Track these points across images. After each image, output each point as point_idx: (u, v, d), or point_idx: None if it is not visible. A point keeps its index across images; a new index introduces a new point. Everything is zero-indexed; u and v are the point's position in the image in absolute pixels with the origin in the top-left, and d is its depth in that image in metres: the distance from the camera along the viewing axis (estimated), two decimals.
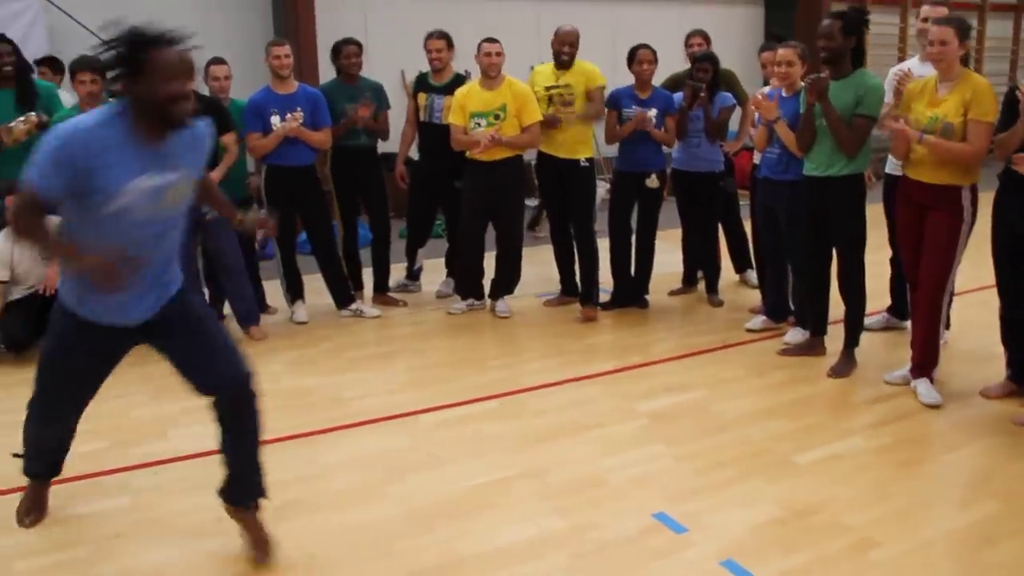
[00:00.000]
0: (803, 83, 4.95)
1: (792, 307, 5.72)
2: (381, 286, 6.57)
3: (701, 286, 6.71)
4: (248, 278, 5.84)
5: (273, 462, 3.94)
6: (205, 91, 5.84)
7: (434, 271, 6.92)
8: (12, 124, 5.28)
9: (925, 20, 5.14)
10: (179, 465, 3.97)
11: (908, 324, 5.15)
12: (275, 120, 5.78)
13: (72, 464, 3.60)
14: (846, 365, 5.03)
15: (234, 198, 4.69)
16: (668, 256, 6.94)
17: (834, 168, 4.84)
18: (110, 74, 2.72)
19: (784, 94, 5.32)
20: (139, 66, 2.65)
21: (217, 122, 5.49)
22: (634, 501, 3.60)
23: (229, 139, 5.62)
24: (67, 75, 5.64)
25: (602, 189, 7.42)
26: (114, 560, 3.24)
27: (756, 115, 5.58)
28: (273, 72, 5.88)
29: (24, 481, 3.52)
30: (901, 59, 9.50)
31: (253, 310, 5.87)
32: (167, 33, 2.70)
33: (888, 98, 5.03)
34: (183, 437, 4.22)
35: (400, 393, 4.82)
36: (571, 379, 4.99)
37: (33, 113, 5.35)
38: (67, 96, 6.19)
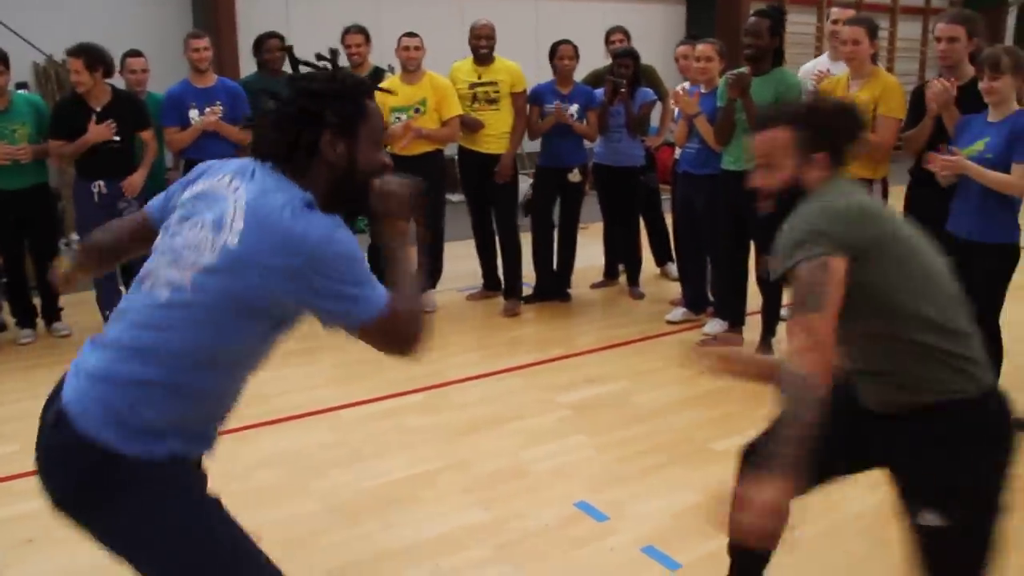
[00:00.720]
0: (724, 79, 5.04)
1: (711, 298, 5.83)
2: None
3: (623, 279, 6.79)
4: None
5: None
6: (121, 84, 5.73)
7: None
8: None
9: (836, 22, 5.31)
10: None
11: None
12: (194, 114, 5.70)
13: None
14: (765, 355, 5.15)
15: (153, 194, 4.63)
16: (590, 249, 7.02)
17: (753, 162, 4.94)
18: (291, 129, 1.87)
19: (703, 90, 5.42)
20: (356, 123, 1.91)
21: (135, 117, 5.42)
22: (556, 491, 3.64)
23: (148, 135, 5.53)
24: None
25: (525, 184, 7.45)
26: (23, 565, 3.18)
27: (676, 110, 5.68)
28: (192, 65, 5.80)
29: None
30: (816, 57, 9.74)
31: None
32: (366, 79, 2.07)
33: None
34: None
35: (323, 388, 4.80)
36: (494, 372, 5.02)
37: None
38: None
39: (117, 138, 5.34)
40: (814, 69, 5.51)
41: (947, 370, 2.05)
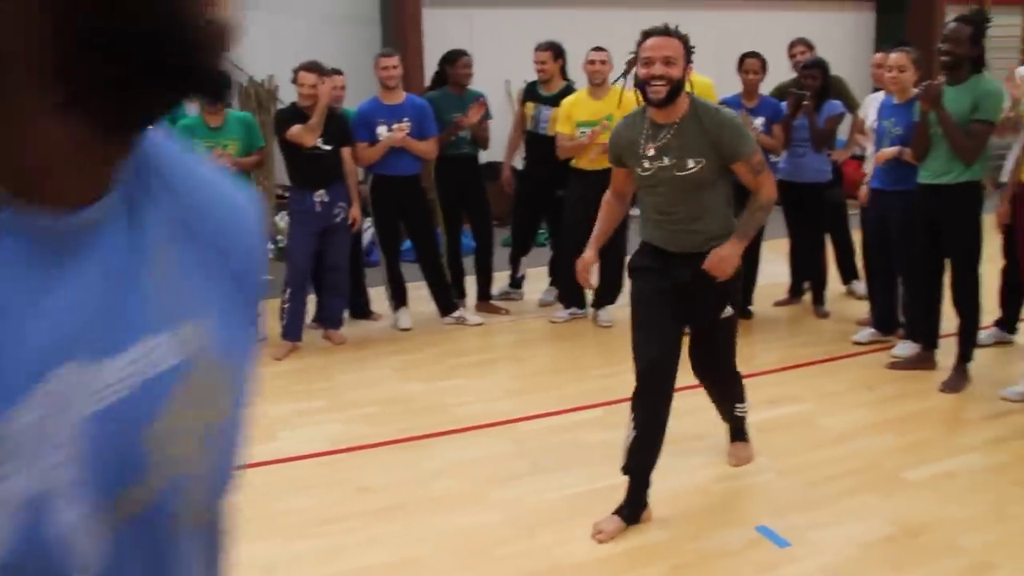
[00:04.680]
0: (915, 91, 4.83)
1: (901, 320, 5.57)
2: (484, 294, 6.64)
3: (807, 297, 6.59)
4: (348, 282, 5.99)
5: (376, 466, 4.07)
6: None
7: (537, 279, 6.95)
8: None
9: None
10: (287, 466, 4.10)
11: (1020, 338, 4.98)
12: (382, 130, 5.91)
13: None
14: (959, 380, 4.87)
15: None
16: (774, 267, 6.83)
17: (949, 176, 4.71)
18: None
19: (896, 101, 5.20)
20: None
21: (342, 131, 5.73)
22: (737, 513, 3.57)
23: (348, 152, 5.81)
24: None
25: None
26: None
27: (868, 122, 5.48)
28: (381, 83, 6.01)
29: None
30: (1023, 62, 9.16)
31: (340, 315, 6.02)
32: None
33: (1007, 103, 4.88)
34: (292, 439, 4.35)
35: (502, 400, 4.87)
36: (675, 389, 4.95)
37: None
38: None
39: (328, 147, 5.61)
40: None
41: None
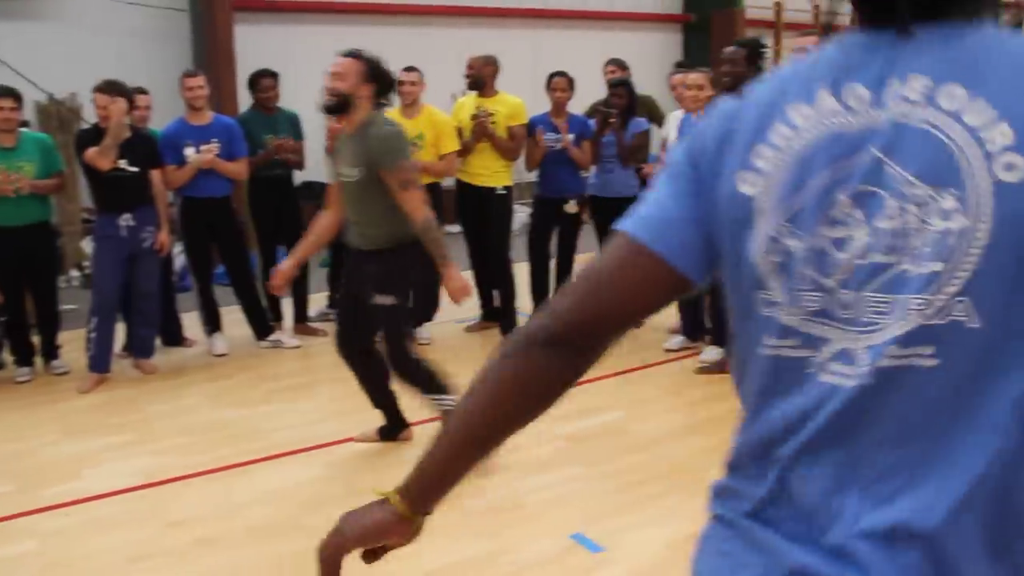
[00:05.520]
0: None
1: (708, 325, 5.83)
2: (301, 316, 6.53)
3: None
4: (159, 308, 5.78)
5: (188, 498, 3.93)
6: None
7: None
8: None
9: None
10: (91, 505, 3.90)
11: None
12: (190, 151, 5.73)
13: None
14: None
15: None
16: None
17: None
18: None
19: (695, 119, 5.44)
20: None
21: (149, 153, 5.49)
22: (552, 522, 3.62)
23: (157, 175, 5.56)
24: None
25: (523, 214, 7.48)
26: None
27: (672, 141, 5.70)
28: (187, 103, 5.84)
29: None
30: None
31: (151, 343, 5.80)
32: None
33: None
34: (97, 476, 4.14)
35: (320, 424, 4.79)
36: None
37: None
38: None
39: (133, 168, 5.36)
40: None
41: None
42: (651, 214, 1.12)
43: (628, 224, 1.13)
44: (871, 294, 0.95)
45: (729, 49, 4.96)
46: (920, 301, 0.91)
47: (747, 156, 1.03)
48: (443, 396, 4.07)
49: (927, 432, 0.93)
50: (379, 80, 4.00)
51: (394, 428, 4.45)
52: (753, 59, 4.91)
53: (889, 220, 0.93)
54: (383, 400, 4.41)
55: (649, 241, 1.10)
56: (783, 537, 1.03)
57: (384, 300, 4.03)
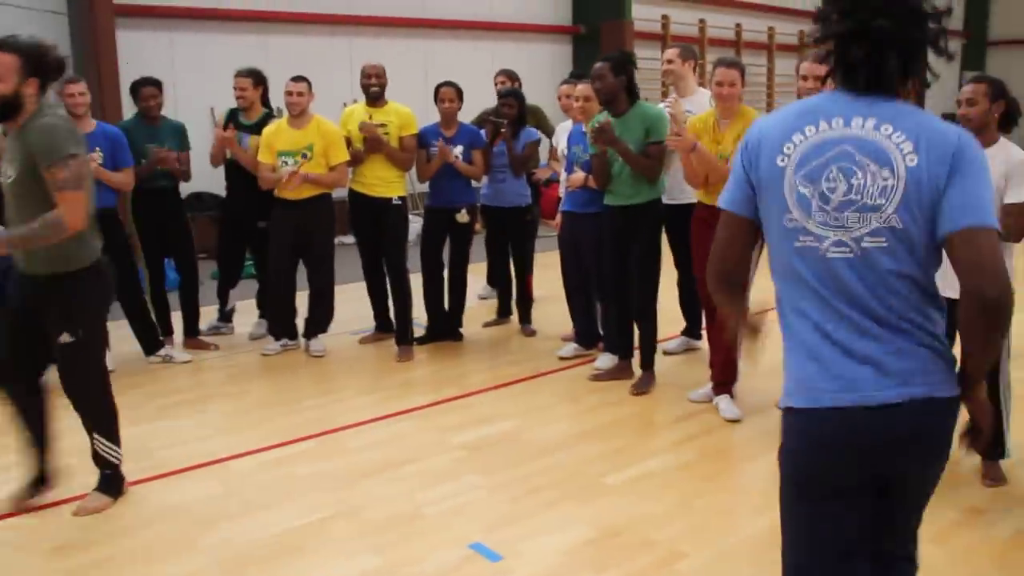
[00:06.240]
0: (591, 125, 5.17)
1: (601, 333, 5.93)
2: (192, 330, 6.39)
3: (515, 317, 6.85)
4: None
5: (75, 522, 3.80)
6: None
7: (247, 312, 6.79)
8: None
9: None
10: None
11: (704, 344, 5.45)
12: None
13: None
14: (646, 384, 5.29)
15: None
16: (479, 290, 7.05)
17: (638, 197, 5.10)
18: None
19: (584, 128, 5.54)
20: None
21: None
22: (450, 533, 3.64)
23: None
24: None
25: (416, 225, 7.47)
26: None
27: (561, 149, 5.80)
28: (68, 110, 5.65)
29: None
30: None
31: None
32: None
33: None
34: None
35: (212, 439, 4.70)
36: (387, 415, 5.00)
37: None
38: None
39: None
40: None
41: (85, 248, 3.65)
42: (729, 195, 2.14)
43: (721, 203, 2.16)
44: (850, 214, 1.94)
45: (596, 65, 5.11)
46: (877, 216, 1.92)
47: (780, 147, 2.01)
48: (113, 445, 3.91)
49: (883, 279, 1.95)
50: (42, 70, 3.45)
51: (40, 481, 3.98)
52: (618, 71, 5.03)
53: (857, 179, 1.93)
54: (39, 444, 3.97)
55: (735, 211, 2.13)
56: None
57: (66, 339, 3.66)
